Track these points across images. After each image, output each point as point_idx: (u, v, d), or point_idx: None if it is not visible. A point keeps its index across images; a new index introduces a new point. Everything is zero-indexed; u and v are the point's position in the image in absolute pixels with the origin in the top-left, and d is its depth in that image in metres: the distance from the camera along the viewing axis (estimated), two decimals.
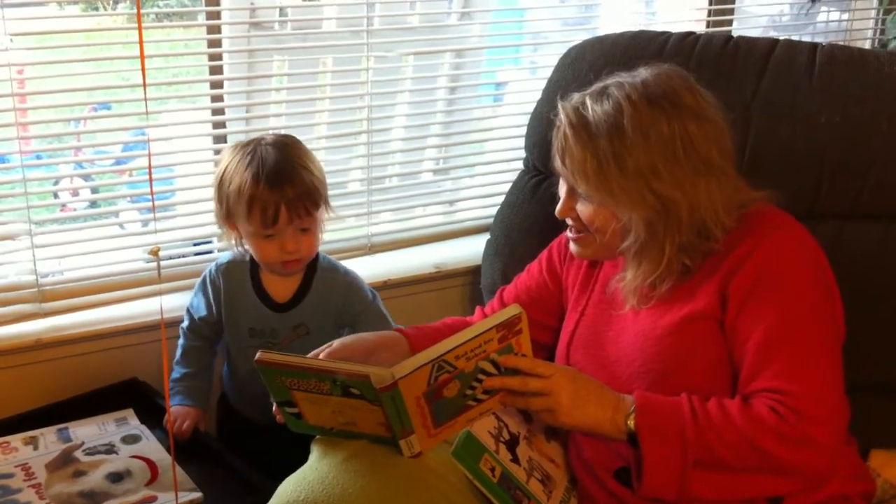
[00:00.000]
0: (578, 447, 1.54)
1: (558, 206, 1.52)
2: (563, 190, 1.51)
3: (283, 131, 2.17)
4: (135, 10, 1.43)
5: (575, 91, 1.49)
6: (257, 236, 1.79)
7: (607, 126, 1.39)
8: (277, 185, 1.73)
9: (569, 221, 1.53)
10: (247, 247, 1.87)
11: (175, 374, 1.94)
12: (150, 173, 1.45)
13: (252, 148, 1.78)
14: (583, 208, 1.47)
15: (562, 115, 1.45)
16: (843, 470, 1.44)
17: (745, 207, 1.45)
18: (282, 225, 1.75)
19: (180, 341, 1.97)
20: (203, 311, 1.95)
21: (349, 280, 1.94)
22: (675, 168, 1.38)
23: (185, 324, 1.98)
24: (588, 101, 1.43)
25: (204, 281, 1.96)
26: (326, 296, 1.91)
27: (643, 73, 1.45)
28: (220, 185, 1.79)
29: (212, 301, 1.93)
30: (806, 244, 1.43)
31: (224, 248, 2.21)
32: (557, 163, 1.47)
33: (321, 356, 1.50)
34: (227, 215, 1.80)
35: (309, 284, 1.90)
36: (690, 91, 1.43)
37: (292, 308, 1.89)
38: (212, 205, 2.17)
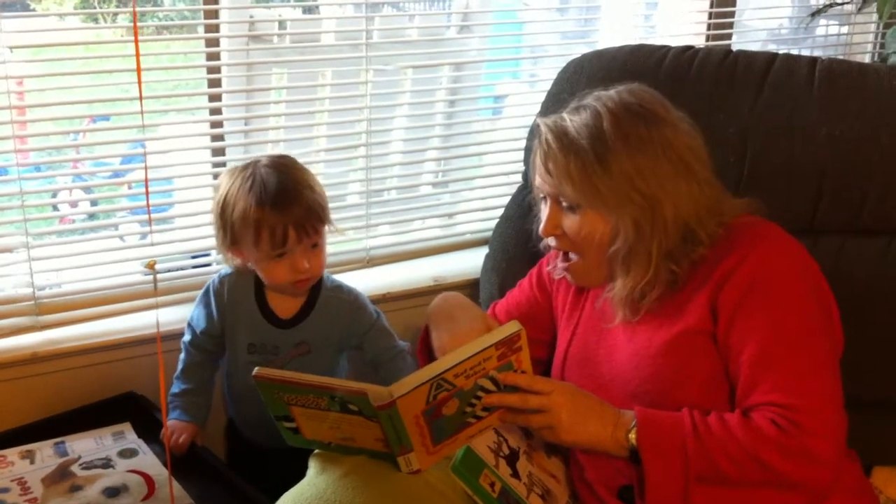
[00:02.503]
0: (580, 468, 1.53)
1: (542, 225, 1.52)
2: (544, 210, 1.51)
3: (281, 144, 2.18)
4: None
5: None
6: (267, 259, 1.78)
7: (588, 131, 1.42)
8: (282, 206, 1.73)
9: (552, 243, 1.53)
10: (251, 266, 1.86)
11: (174, 389, 1.93)
12: (146, 186, 1.45)
13: (250, 172, 1.77)
14: (568, 222, 1.47)
15: (542, 128, 1.47)
16: (847, 486, 1.44)
17: (728, 215, 1.46)
18: (291, 245, 1.75)
19: (182, 356, 1.96)
20: (203, 324, 1.92)
21: (353, 299, 1.93)
22: (657, 168, 1.40)
23: (187, 338, 1.96)
24: (565, 115, 1.47)
25: (206, 292, 1.94)
26: (331, 315, 1.90)
27: (617, 87, 1.49)
28: (223, 212, 1.78)
29: (214, 312, 1.91)
30: (795, 254, 1.43)
31: (223, 261, 2.21)
32: (541, 173, 1.48)
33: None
34: (233, 242, 1.79)
35: (314, 302, 1.89)
36: (663, 105, 1.47)
37: (296, 325, 1.88)
38: (210, 217, 2.18)
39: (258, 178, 1.75)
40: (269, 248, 1.75)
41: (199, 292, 1.96)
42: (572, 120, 1.45)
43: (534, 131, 1.51)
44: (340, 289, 1.93)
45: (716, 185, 1.48)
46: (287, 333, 1.88)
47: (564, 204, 1.47)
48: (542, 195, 1.52)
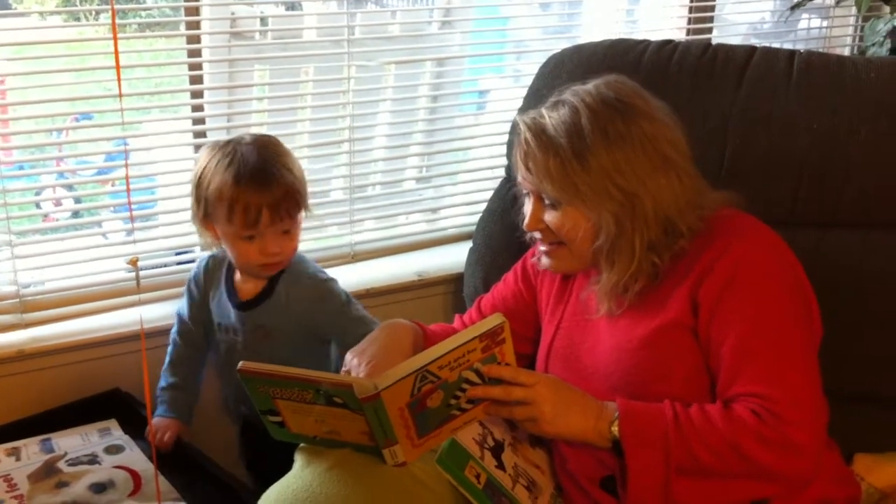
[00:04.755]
0: (563, 458, 1.54)
1: (526, 220, 1.52)
2: (528, 205, 1.52)
3: None
4: (116, 21, 1.43)
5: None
6: (237, 238, 1.76)
7: (566, 127, 1.42)
8: (259, 186, 1.70)
9: (537, 235, 1.54)
10: (221, 244, 1.85)
11: (162, 382, 1.94)
12: (127, 183, 1.44)
13: (231, 148, 1.75)
14: (551, 217, 1.48)
15: (521, 126, 1.48)
16: (827, 474, 1.45)
17: (708, 208, 1.46)
18: (263, 227, 1.73)
19: (169, 348, 1.96)
20: (187, 311, 1.93)
21: (315, 284, 1.88)
22: (635, 164, 1.40)
23: (175, 328, 1.96)
24: (544, 111, 1.47)
25: (192, 279, 1.95)
26: (289, 299, 1.85)
27: (594, 80, 1.49)
28: (199, 185, 1.76)
29: (196, 295, 1.92)
30: (774, 247, 1.44)
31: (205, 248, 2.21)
32: (522, 171, 1.49)
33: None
34: (205, 216, 1.78)
35: (273, 286, 1.86)
36: (639, 95, 1.47)
37: (253, 308, 1.86)
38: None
39: (238, 155, 1.73)
40: (241, 226, 1.72)
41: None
42: (551, 116, 1.45)
43: (514, 128, 1.52)
44: (303, 275, 1.88)
45: (696, 177, 1.48)
46: (244, 316, 1.86)
47: (546, 200, 1.48)
48: (524, 191, 1.53)
